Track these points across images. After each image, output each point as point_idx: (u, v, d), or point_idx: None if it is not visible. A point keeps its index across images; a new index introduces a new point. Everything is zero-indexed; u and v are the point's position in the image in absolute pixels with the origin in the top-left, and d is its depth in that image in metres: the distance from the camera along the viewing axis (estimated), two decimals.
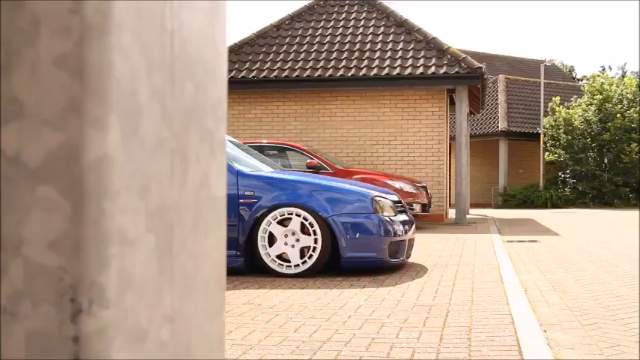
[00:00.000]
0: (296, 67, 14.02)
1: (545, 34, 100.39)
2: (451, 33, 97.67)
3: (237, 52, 14.70)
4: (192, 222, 0.66)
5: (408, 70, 13.44)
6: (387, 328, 3.82)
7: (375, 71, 13.58)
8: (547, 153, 26.77)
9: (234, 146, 7.18)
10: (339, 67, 13.85)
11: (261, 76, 14.00)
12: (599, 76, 28.40)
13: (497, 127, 28.20)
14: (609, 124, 25.09)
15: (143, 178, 0.57)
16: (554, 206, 24.45)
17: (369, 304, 4.60)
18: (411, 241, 6.62)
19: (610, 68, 54.85)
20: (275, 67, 14.11)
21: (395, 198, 6.68)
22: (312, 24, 15.21)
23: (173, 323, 0.61)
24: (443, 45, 13.88)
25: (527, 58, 40.92)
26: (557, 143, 26.27)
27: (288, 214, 5.95)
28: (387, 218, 6.08)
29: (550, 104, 26.77)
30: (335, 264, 5.96)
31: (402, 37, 14.36)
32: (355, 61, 13.94)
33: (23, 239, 0.54)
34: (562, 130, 25.91)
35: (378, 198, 6.19)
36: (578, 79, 52.01)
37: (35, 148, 0.53)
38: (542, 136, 26.31)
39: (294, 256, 5.93)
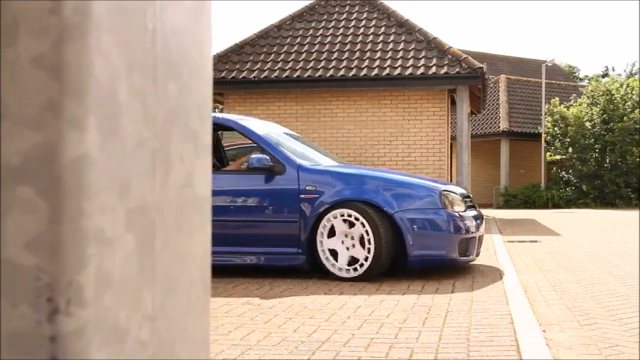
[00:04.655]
0: (297, 68, 14.02)
1: (548, 34, 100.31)
2: (452, 33, 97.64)
3: (238, 52, 14.71)
4: (175, 222, 0.66)
5: (409, 71, 13.43)
6: (386, 329, 3.82)
7: (375, 71, 13.58)
8: (548, 153, 26.76)
9: (294, 140, 7.04)
10: (340, 67, 13.85)
11: (262, 76, 14.00)
12: (602, 77, 28.41)
13: (499, 127, 28.19)
14: (613, 125, 25.07)
15: (123, 178, 0.57)
16: (556, 206, 24.44)
17: (369, 304, 4.60)
18: (481, 237, 6.33)
19: (613, 69, 54.79)
20: (276, 68, 14.11)
21: (464, 192, 6.41)
22: (313, 24, 15.21)
23: (154, 323, 0.61)
24: (444, 45, 13.88)
25: (528, 58, 40.91)
26: (559, 143, 26.25)
27: (351, 210, 5.68)
28: (456, 214, 5.78)
29: (548, 106, 26.75)
30: (401, 263, 5.71)
31: (403, 38, 14.36)
32: (356, 61, 13.94)
33: (0, 239, 0.54)
34: (562, 130, 25.88)
35: (446, 192, 5.89)
36: (580, 79, 51.99)
37: (14, 149, 0.53)
38: (543, 136, 26.30)
39: (355, 255, 5.66)
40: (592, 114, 25.79)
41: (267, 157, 5.98)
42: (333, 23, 15.19)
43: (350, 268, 5.62)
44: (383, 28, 14.78)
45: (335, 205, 5.73)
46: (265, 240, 5.96)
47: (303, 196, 5.86)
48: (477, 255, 6.22)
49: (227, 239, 5.97)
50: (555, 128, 26.22)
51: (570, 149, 25.59)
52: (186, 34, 0.67)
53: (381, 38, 14.49)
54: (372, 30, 14.79)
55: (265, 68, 14.16)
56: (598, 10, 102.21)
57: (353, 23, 15.10)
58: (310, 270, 5.81)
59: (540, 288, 5.32)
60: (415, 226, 5.62)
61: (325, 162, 6.67)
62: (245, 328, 3.88)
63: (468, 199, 6.30)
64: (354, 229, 5.67)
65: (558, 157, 26.50)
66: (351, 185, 5.85)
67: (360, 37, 14.63)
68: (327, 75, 13.73)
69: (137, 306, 0.59)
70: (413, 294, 4.95)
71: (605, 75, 35.31)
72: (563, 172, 26.19)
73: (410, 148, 13.82)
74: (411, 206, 5.68)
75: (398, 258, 5.71)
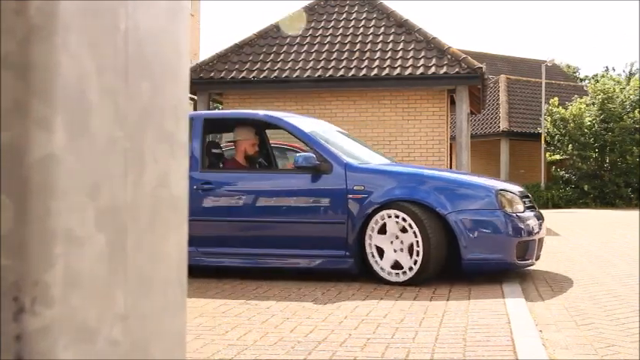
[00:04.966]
0: (296, 68, 14.02)
1: (548, 34, 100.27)
2: (452, 33, 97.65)
3: (237, 52, 14.71)
4: (149, 222, 0.66)
5: (409, 71, 13.43)
6: (383, 328, 3.83)
7: (375, 71, 13.58)
8: (548, 153, 26.75)
9: (343, 137, 6.83)
10: (340, 67, 13.85)
11: (261, 76, 14.00)
12: (603, 76, 28.43)
13: (499, 127, 28.19)
14: (612, 124, 25.05)
15: (93, 177, 0.57)
16: (556, 206, 24.43)
17: (366, 304, 4.60)
18: (541, 240, 5.92)
19: (614, 69, 54.78)
20: (275, 68, 14.11)
21: (523, 191, 6.01)
22: (313, 24, 15.21)
23: (127, 322, 0.61)
24: (443, 45, 13.88)
25: (528, 58, 40.89)
26: (559, 143, 26.24)
27: (400, 211, 5.38)
28: (514, 215, 5.42)
29: (547, 107, 26.74)
30: (454, 267, 5.41)
31: (403, 38, 14.35)
32: (355, 61, 13.94)
33: None
34: (568, 128, 25.84)
35: (504, 191, 5.55)
36: (581, 79, 51.98)
37: None
38: (543, 136, 26.30)
39: (404, 260, 5.37)
40: (591, 113, 25.78)
41: (314, 156, 5.73)
42: (332, 23, 15.20)
43: (399, 271, 5.36)
44: (382, 28, 14.78)
45: (384, 206, 5.44)
46: (310, 242, 5.72)
47: (350, 196, 5.59)
48: (537, 259, 5.85)
49: (269, 241, 5.84)
50: (554, 129, 26.21)
51: (570, 146, 25.55)
52: (160, 35, 0.67)
53: (380, 38, 14.49)
54: (371, 30, 14.79)
55: (265, 68, 14.16)
56: (598, 10, 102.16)
57: (352, 23, 15.10)
58: (359, 274, 5.57)
59: (538, 288, 5.32)
60: (469, 228, 5.30)
61: (376, 160, 6.36)
62: (242, 328, 3.88)
63: (527, 199, 5.92)
64: (402, 233, 5.40)
65: (558, 157, 26.49)
66: (401, 185, 5.55)
67: (360, 37, 14.62)
68: (327, 75, 13.73)
69: (108, 305, 0.59)
70: (411, 294, 4.95)
71: (604, 76, 35.34)
72: (563, 172, 26.16)
73: (409, 148, 13.82)
74: (466, 207, 5.37)
75: (451, 261, 5.41)
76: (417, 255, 5.28)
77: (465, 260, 5.28)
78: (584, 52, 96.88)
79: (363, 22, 15.07)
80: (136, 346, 0.62)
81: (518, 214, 5.47)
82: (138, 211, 0.64)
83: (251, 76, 14.01)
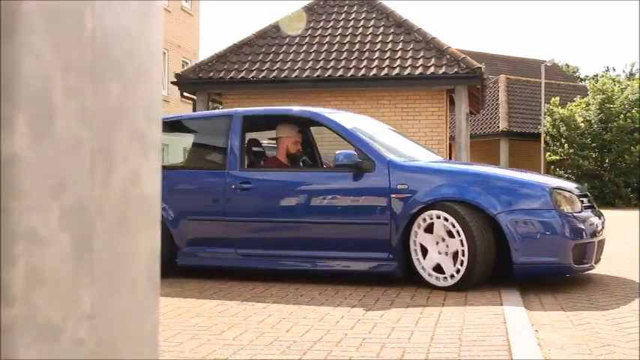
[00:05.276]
0: (295, 68, 14.03)
1: (548, 34, 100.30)
2: (452, 33, 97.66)
3: (236, 52, 14.72)
4: (118, 221, 0.66)
5: (408, 71, 13.44)
6: (379, 328, 3.83)
7: (374, 71, 13.58)
8: (548, 153, 26.75)
9: (391, 133, 6.61)
10: (339, 67, 13.86)
11: (260, 76, 14.01)
12: (603, 76, 28.40)
13: (498, 127, 28.20)
14: (610, 124, 25.05)
15: (57, 177, 0.57)
16: None
17: (363, 303, 4.61)
18: (602, 242, 5.54)
19: (614, 69, 54.78)
20: (274, 68, 14.12)
21: (580, 190, 5.61)
22: (312, 24, 15.22)
23: (93, 321, 0.61)
24: (442, 45, 13.88)
25: (528, 58, 40.90)
26: (558, 143, 26.24)
27: (444, 212, 5.08)
28: (570, 215, 5.06)
29: (547, 106, 26.74)
30: (504, 271, 5.07)
31: (402, 38, 14.36)
32: (354, 61, 13.95)
33: None
34: (562, 130, 25.87)
35: (559, 190, 5.17)
36: (581, 79, 51.97)
37: None
38: (542, 136, 26.30)
39: (448, 264, 5.08)
40: (590, 113, 25.78)
41: (355, 153, 5.46)
42: (331, 23, 15.20)
43: (443, 276, 5.08)
44: (381, 28, 14.79)
45: (429, 206, 5.14)
46: (352, 244, 5.46)
47: (394, 195, 5.29)
48: (597, 262, 5.48)
49: (307, 243, 5.60)
50: (554, 129, 26.22)
51: (566, 145, 25.54)
52: (131, 35, 0.67)
53: (379, 38, 14.49)
54: (370, 30, 14.80)
55: (264, 68, 14.17)
56: (598, 10, 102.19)
57: (351, 23, 15.11)
58: (403, 277, 5.30)
59: (535, 288, 5.32)
60: (521, 230, 4.94)
61: (425, 158, 6.02)
62: (238, 328, 3.89)
63: (585, 198, 5.53)
64: (448, 236, 5.09)
65: (557, 157, 26.49)
66: (447, 183, 5.23)
67: (359, 37, 14.63)
68: (326, 75, 13.74)
69: (74, 304, 0.59)
70: (407, 293, 4.95)
71: (603, 76, 35.37)
72: (562, 172, 26.16)
73: None
74: (518, 206, 5.00)
75: (502, 264, 5.07)
76: (462, 258, 4.96)
77: (517, 264, 4.92)
78: (584, 52, 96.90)
79: (362, 22, 15.08)
80: (103, 345, 0.62)
81: (575, 213, 5.12)
82: (106, 210, 0.64)
83: (250, 76, 14.02)
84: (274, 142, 6.67)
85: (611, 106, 25.49)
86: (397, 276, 5.31)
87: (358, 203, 5.48)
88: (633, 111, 25.16)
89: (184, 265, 6.00)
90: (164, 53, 22.03)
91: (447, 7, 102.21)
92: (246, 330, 3.84)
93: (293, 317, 4.19)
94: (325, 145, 14.19)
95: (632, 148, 24.75)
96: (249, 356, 3.28)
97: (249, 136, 6.51)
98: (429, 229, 5.17)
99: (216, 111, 6.91)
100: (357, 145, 5.58)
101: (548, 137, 26.39)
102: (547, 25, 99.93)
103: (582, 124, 25.55)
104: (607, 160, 25.65)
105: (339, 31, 14.93)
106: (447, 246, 5.07)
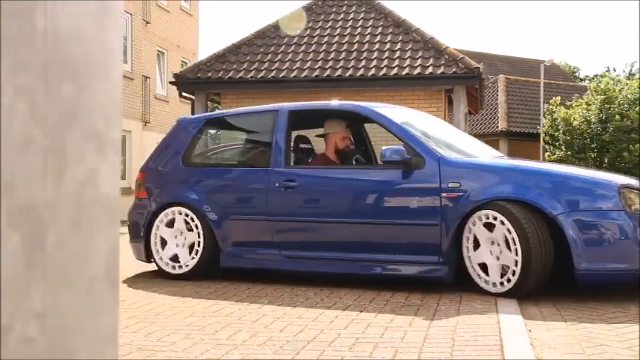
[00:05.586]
0: (294, 68, 14.04)
1: (548, 34, 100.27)
2: (452, 33, 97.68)
3: (235, 52, 14.72)
4: (72, 220, 0.66)
5: (406, 71, 13.44)
6: (373, 328, 3.83)
7: (372, 71, 13.58)
8: (547, 153, 26.75)
9: (449, 129, 6.33)
10: (337, 67, 13.86)
11: (259, 76, 14.01)
12: (604, 76, 28.39)
13: (497, 127, 28.20)
14: (609, 124, 25.06)
15: (6, 177, 0.57)
16: None
17: (358, 303, 4.61)
18: None
19: (614, 70, 54.77)
20: (273, 68, 14.13)
21: None
22: (311, 24, 15.22)
23: (44, 320, 0.61)
24: (440, 45, 13.88)
25: (528, 58, 40.89)
26: (557, 143, 26.23)
27: (496, 212, 4.69)
28: None
29: (547, 106, 26.74)
30: (564, 276, 4.67)
31: (400, 38, 14.36)
32: (353, 61, 13.95)
33: None
34: (561, 131, 25.87)
35: (628, 188, 4.64)
36: (581, 79, 51.97)
37: None
38: (542, 136, 26.30)
39: (495, 270, 4.74)
40: (589, 114, 25.76)
41: (403, 149, 5.11)
42: (330, 23, 15.21)
43: (504, 281, 4.69)
44: (380, 28, 14.79)
45: (482, 206, 4.77)
46: (400, 247, 5.15)
47: (444, 194, 4.93)
48: None
49: (350, 246, 5.35)
50: (552, 129, 26.21)
51: (564, 147, 25.54)
52: (86, 35, 0.67)
53: (378, 38, 14.49)
54: (369, 30, 14.80)
55: (262, 68, 14.17)
56: (598, 10, 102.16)
57: (350, 23, 15.11)
58: (454, 283, 4.98)
59: None
60: (585, 233, 4.48)
61: (484, 154, 5.64)
62: (231, 328, 3.89)
63: None
64: (497, 234, 4.72)
65: (557, 157, 26.48)
66: (502, 181, 4.85)
67: (357, 37, 14.64)
68: (324, 75, 13.74)
69: (23, 303, 0.59)
70: (403, 293, 4.95)
71: (605, 75, 35.39)
72: None
73: None
74: (581, 207, 4.55)
75: (564, 270, 4.64)
76: (516, 265, 4.58)
77: (580, 270, 4.47)
78: (584, 52, 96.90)
79: (360, 22, 15.08)
80: (56, 344, 0.62)
81: None
82: (59, 209, 0.64)
83: (249, 76, 14.02)
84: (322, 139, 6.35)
85: (611, 106, 25.49)
86: (447, 281, 4.98)
87: (406, 202, 5.14)
88: (630, 111, 25.15)
89: (227, 267, 5.81)
90: (163, 53, 22.03)
91: (446, 7, 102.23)
92: (240, 330, 3.85)
93: (287, 317, 4.19)
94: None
95: (630, 147, 24.73)
96: (241, 356, 3.28)
97: (296, 132, 6.28)
98: (476, 237, 4.84)
99: (261, 106, 6.54)
100: (406, 140, 5.25)
101: (547, 137, 26.39)
102: (547, 25, 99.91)
103: (582, 125, 25.55)
104: (606, 160, 25.63)
105: (338, 30, 14.93)
106: (501, 251, 4.72)
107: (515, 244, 4.57)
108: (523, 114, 29.38)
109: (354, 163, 6.12)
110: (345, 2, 15.70)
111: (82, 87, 0.67)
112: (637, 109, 25.24)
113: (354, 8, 15.52)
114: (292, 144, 6.02)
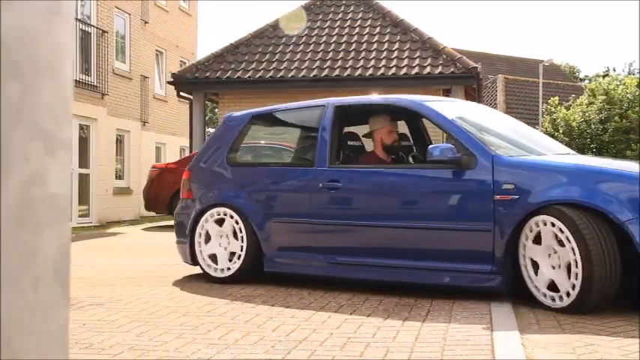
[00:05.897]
0: (292, 68, 14.05)
1: (548, 34, 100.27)
2: (452, 33, 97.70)
3: (233, 52, 14.73)
4: (17, 220, 0.66)
5: (404, 70, 13.45)
6: (365, 328, 3.83)
7: (370, 71, 13.59)
8: None
9: (509, 123, 5.86)
10: (335, 67, 13.87)
11: (257, 76, 14.02)
12: (604, 76, 28.37)
13: None
14: (608, 124, 25.07)
15: None
16: None
17: (352, 303, 4.61)
18: None
19: (614, 70, 54.77)
20: (271, 68, 14.14)
21: None
22: (309, 24, 15.24)
23: None
24: (438, 45, 13.90)
25: (528, 58, 40.88)
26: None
27: (553, 217, 4.21)
28: None
29: (546, 106, 26.75)
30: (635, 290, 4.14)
31: (398, 37, 14.38)
32: (351, 61, 13.96)
33: None
34: (561, 131, 25.87)
35: None
36: (580, 79, 51.97)
37: None
38: None
39: (560, 281, 4.21)
40: (589, 114, 25.77)
41: (452, 147, 4.68)
42: (328, 23, 15.22)
43: (556, 295, 4.24)
44: (378, 28, 14.81)
45: (539, 210, 4.29)
46: (450, 254, 4.75)
47: (498, 197, 4.47)
48: None
49: (396, 252, 4.98)
50: (552, 129, 26.22)
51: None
52: (34, 35, 0.67)
53: (376, 38, 14.51)
54: (367, 30, 14.82)
55: (260, 68, 14.18)
56: (598, 10, 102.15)
57: (348, 23, 15.13)
58: (509, 294, 4.54)
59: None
60: None
61: (543, 151, 5.08)
62: (224, 328, 3.89)
63: None
64: (560, 246, 4.21)
65: None
66: (562, 182, 4.34)
67: (355, 37, 14.65)
68: (322, 75, 13.75)
69: None
70: (396, 294, 4.94)
71: (605, 75, 35.32)
72: None
73: None
74: None
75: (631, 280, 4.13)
76: (577, 278, 4.06)
77: None
78: (584, 52, 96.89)
79: (358, 22, 15.10)
80: None
81: None
82: (4, 209, 0.64)
83: (247, 76, 14.03)
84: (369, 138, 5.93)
85: (612, 107, 25.50)
86: (501, 292, 4.55)
87: (456, 205, 4.75)
88: (629, 112, 25.15)
89: (270, 272, 5.52)
90: (162, 53, 22.02)
91: (446, 6, 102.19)
92: (233, 329, 3.85)
93: (280, 317, 4.19)
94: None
95: (633, 145, 24.73)
96: (232, 355, 3.28)
97: (346, 129, 5.92)
98: (539, 237, 4.33)
99: (306, 102, 6.10)
100: (456, 137, 4.83)
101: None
102: (547, 25, 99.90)
103: (582, 125, 25.55)
104: None
105: (336, 30, 14.94)
106: (559, 258, 4.22)
107: (574, 254, 4.08)
108: (522, 114, 29.38)
109: (410, 160, 5.69)
110: (344, 2, 15.71)
111: (27, 87, 0.67)
112: (637, 109, 25.24)
113: (352, 8, 15.53)
114: (340, 141, 5.64)
